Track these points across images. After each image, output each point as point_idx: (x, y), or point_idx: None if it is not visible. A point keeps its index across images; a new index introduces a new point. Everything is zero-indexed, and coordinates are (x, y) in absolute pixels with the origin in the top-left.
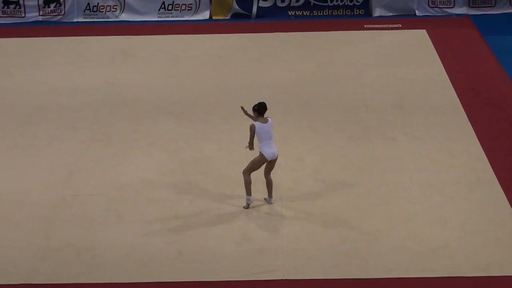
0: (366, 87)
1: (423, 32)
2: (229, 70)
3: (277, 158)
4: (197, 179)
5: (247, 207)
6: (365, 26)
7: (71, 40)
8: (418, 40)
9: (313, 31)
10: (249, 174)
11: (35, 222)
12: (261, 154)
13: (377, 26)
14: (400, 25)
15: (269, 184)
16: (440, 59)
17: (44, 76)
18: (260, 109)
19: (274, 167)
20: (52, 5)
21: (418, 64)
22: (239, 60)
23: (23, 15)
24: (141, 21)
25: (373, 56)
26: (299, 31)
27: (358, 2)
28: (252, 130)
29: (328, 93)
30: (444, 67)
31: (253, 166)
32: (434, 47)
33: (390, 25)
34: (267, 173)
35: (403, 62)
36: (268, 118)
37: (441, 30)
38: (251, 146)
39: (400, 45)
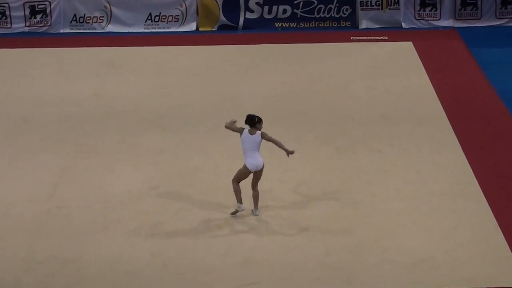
0: (353, 99)
1: (409, 44)
2: (216, 82)
3: (262, 169)
4: (183, 191)
5: (235, 213)
6: (351, 38)
7: (58, 51)
8: (404, 52)
9: (299, 43)
10: (237, 183)
11: (19, 234)
12: (244, 165)
13: (363, 38)
14: (387, 37)
15: (255, 197)
16: (426, 71)
17: (30, 87)
18: (247, 121)
19: (261, 179)
20: (39, 16)
21: (404, 76)
22: (226, 72)
23: (9, 26)
24: (128, 32)
25: (360, 68)
26: (286, 43)
27: (345, 14)
28: (239, 129)
29: (315, 104)
30: (430, 79)
31: (239, 176)
32: (420, 59)
33: (377, 37)
34: (254, 184)
35: (390, 74)
36: (257, 131)
37: (427, 42)
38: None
39: (386, 57)
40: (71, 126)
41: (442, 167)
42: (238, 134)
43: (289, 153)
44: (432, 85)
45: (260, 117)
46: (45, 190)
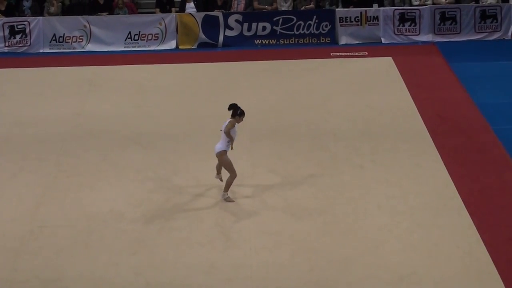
0: (333, 115)
1: (389, 60)
2: (196, 100)
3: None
4: (165, 209)
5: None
6: (331, 54)
7: (37, 71)
8: (385, 67)
9: (279, 59)
10: (234, 171)
11: (1, 254)
12: (225, 152)
13: (343, 54)
14: (366, 53)
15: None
16: (407, 86)
17: (10, 107)
18: (235, 110)
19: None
20: (18, 36)
21: (385, 92)
22: (206, 89)
23: None
24: (108, 51)
25: (340, 83)
26: (266, 59)
27: (324, 30)
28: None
29: (296, 121)
30: (410, 94)
31: (227, 165)
32: (400, 74)
33: (356, 53)
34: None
35: (370, 90)
36: (230, 119)
37: (407, 57)
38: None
39: (366, 72)
40: (52, 145)
41: (424, 182)
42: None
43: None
44: (413, 100)
45: (244, 111)
46: (26, 209)
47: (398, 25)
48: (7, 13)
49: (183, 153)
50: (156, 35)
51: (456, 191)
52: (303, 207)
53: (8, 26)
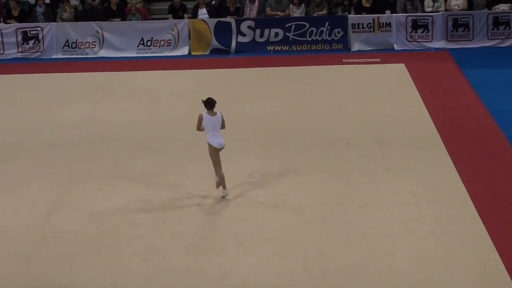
0: (346, 121)
1: (401, 66)
2: None
3: (223, 148)
4: (177, 215)
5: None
6: (343, 60)
7: (50, 76)
8: (397, 74)
9: (292, 66)
10: (219, 169)
11: (14, 259)
12: (209, 145)
13: (355, 60)
14: (379, 59)
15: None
16: (419, 92)
17: (23, 113)
18: (206, 103)
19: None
20: (31, 42)
21: (397, 98)
22: (218, 96)
23: (1, 52)
24: (120, 57)
25: (352, 90)
26: (278, 66)
27: (337, 36)
28: (200, 119)
29: (308, 127)
30: (423, 101)
31: (213, 160)
32: (413, 81)
33: (369, 60)
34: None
35: (382, 96)
36: (217, 113)
37: (419, 64)
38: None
39: (379, 79)
40: (64, 151)
41: (436, 189)
42: (203, 123)
43: None
44: (425, 106)
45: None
46: (39, 215)
47: (411, 32)
48: (20, 18)
49: (195, 159)
50: (168, 41)
51: (469, 198)
52: (316, 213)
53: (21, 31)
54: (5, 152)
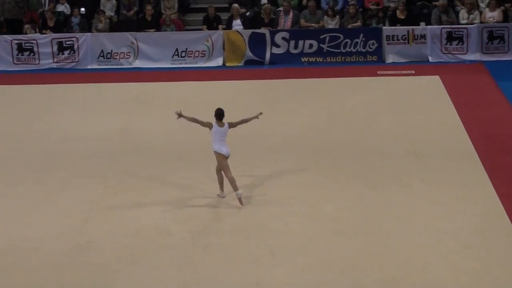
0: (380, 133)
1: (436, 78)
2: (242, 117)
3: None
4: (211, 226)
5: (240, 198)
6: (378, 72)
7: (85, 86)
8: (432, 86)
9: (326, 77)
10: (227, 172)
11: (48, 269)
12: (216, 153)
13: (390, 72)
14: (413, 71)
15: (232, 181)
16: (454, 105)
17: (58, 123)
18: (216, 114)
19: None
20: (66, 52)
21: (432, 110)
22: (252, 107)
23: (37, 62)
24: (155, 68)
25: (387, 102)
26: (312, 77)
27: (371, 48)
28: (207, 124)
29: (342, 139)
30: (458, 113)
31: (222, 166)
32: (448, 93)
33: (403, 72)
34: (219, 171)
35: (417, 108)
36: (225, 123)
37: (454, 76)
38: (182, 116)
39: (413, 91)
40: (99, 161)
41: (471, 202)
42: (211, 132)
43: (258, 115)
44: (460, 119)
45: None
46: (74, 225)
47: (446, 44)
48: (55, 29)
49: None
50: (203, 52)
51: (505, 212)
52: (350, 225)
53: (57, 42)
54: (40, 162)
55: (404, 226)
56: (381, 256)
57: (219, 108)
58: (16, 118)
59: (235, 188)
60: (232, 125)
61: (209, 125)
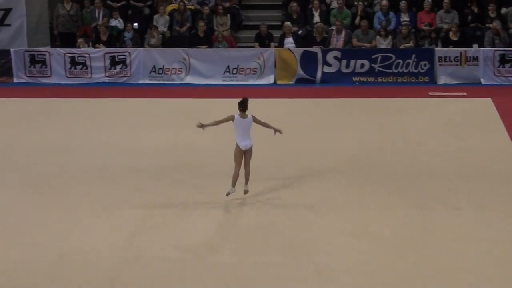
0: (430, 155)
1: (488, 101)
2: (292, 135)
3: (251, 148)
4: (260, 244)
5: (228, 195)
6: (429, 93)
7: (136, 101)
8: (484, 108)
9: (377, 97)
10: (237, 166)
11: (97, 283)
12: (236, 146)
13: (442, 93)
14: (465, 93)
15: (247, 174)
16: (506, 128)
17: (108, 137)
18: (240, 104)
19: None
20: (118, 67)
21: (483, 133)
22: (302, 125)
23: (89, 76)
24: (206, 84)
25: (438, 123)
26: (363, 97)
27: (423, 69)
28: (229, 118)
29: (392, 159)
30: (509, 136)
31: (235, 159)
32: (500, 116)
33: (455, 93)
34: (246, 165)
35: (468, 130)
36: (249, 115)
37: (506, 99)
38: (205, 125)
39: (465, 113)
40: (149, 176)
41: None
42: (234, 124)
43: (276, 131)
44: None
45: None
46: (122, 239)
47: (498, 66)
48: (108, 43)
49: (279, 187)
50: (254, 70)
51: None
52: (397, 246)
53: (109, 56)
54: (90, 175)
55: (451, 249)
56: (426, 279)
57: (244, 97)
58: (67, 131)
59: (232, 184)
60: (256, 120)
61: (231, 118)
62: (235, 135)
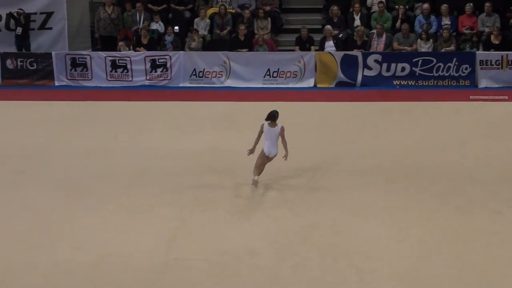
0: (471, 158)
1: None
2: (333, 138)
3: (273, 157)
4: (299, 248)
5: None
6: (470, 97)
7: (176, 104)
8: None
9: (417, 101)
10: (257, 168)
11: (137, 285)
12: (262, 150)
13: (483, 97)
14: (507, 97)
15: (261, 170)
16: None
17: (149, 140)
18: (268, 116)
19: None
20: (159, 70)
21: None
22: (343, 129)
23: (130, 79)
24: (246, 87)
25: (479, 127)
26: (404, 100)
27: (464, 73)
28: (260, 131)
29: (432, 163)
30: None
31: (257, 162)
32: None
33: (496, 97)
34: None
35: (510, 134)
36: (278, 124)
37: None
38: (252, 149)
39: (506, 117)
40: (189, 179)
41: None
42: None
43: (285, 155)
44: None
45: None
46: (162, 242)
47: None
48: (149, 47)
49: (318, 191)
50: (294, 73)
51: None
52: (437, 251)
53: (150, 59)
54: (130, 178)
55: (494, 254)
56: (468, 284)
57: (273, 110)
58: (108, 134)
59: (256, 173)
60: (282, 134)
61: (261, 129)
62: (264, 141)
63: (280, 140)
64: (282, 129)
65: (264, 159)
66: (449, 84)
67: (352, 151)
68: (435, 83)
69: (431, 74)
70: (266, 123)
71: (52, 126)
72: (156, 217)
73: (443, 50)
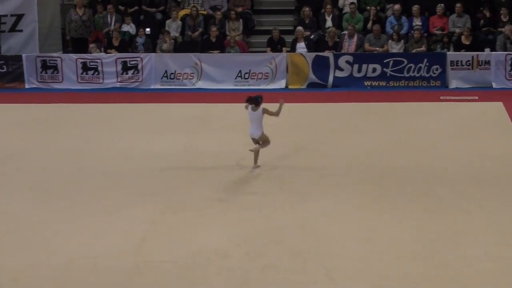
0: (441, 159)
1: (499, 105)
2: (304, 139)
3: (258, 138)
4: (269, 249)
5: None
6: (441, 97)
7: (148, 106)
8: (495, 112)
9: (389, 101)
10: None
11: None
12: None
13: (453, 98)
14: (477, 97)
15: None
16: None
17: (120, 142)
18: (252, 99)
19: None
20: (130, 72)
21: (495, 137)
22: (314, 130)
23: (101, 81)
24: (218, 89)
25: (449, 127)
26: (375, 101)
27: (435, 73)
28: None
29: (403, 164)
30: None
31: (266, 138)
32: (511, 119)
33: (467, 97)
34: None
35: (479, 135)
36: (259, 108)
37: None
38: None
39: (476, 117)
40: (160, 181)
41: None
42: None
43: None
44: None
45: (262, 95)
46: (132, 244)
47: (510, 70)
48: (120, 49)
49: (289, 193)
50: (266, 74)
51: None
52: (409, 250)
53: (121, 61)
54: (101, 180)
55: (463, 253)
56: (439, 283)
57: (257, 95)
58: (79, 136)
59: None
60: (266, 112)
61: (246, 108)
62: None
63: (263, 120)
64: (264, 109)
65: (253, 141)
66: (420, 84)
67: (323, 152)
68: (406, 84)
69: (402, 75)
70: (250, 107)
71: (23, 129)
72: (126, 220)
73: (414, 50)
